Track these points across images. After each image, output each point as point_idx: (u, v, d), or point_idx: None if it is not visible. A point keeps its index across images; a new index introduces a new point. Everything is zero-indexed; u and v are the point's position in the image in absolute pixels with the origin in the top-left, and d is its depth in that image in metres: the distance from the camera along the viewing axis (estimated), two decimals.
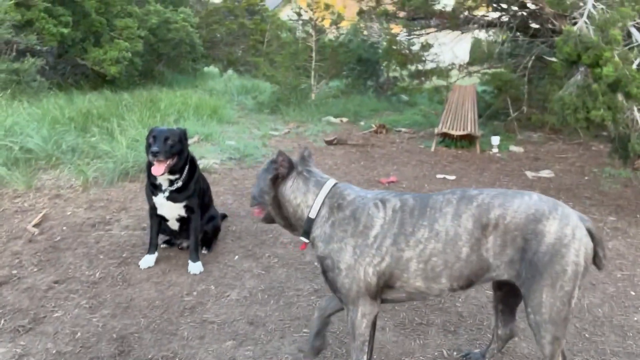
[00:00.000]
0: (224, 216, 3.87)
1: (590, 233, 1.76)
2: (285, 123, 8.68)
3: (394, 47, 7.57)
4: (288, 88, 10.12)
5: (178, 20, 11.64)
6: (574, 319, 2.69)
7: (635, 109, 4.01)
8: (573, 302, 1.73)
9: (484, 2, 7.37)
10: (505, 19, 8.21)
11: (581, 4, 4.48)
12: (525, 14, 7.66)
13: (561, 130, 7.61)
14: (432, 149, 7.02)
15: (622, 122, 4.12)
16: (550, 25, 6.81)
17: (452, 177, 5.63)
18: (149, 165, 2.85)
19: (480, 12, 8.25)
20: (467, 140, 7.12)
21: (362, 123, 9.10)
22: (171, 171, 2.88)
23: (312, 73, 10.44)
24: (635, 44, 4.31)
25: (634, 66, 4.05)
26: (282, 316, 2.58)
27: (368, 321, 1.84)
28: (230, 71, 14.57)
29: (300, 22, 10.52)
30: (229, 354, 2.24)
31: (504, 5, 7.77)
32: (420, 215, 1.78)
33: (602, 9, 4.15)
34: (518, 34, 8.12)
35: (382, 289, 1.82)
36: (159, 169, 2.79)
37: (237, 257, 3.27)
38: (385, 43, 7.85)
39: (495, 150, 6.99)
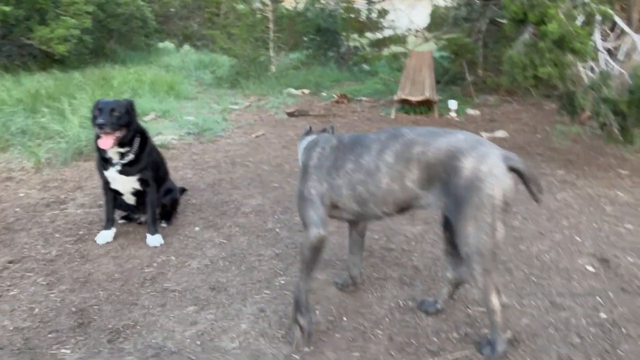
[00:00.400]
0: (184, 190, 3.84)
1: (518, 171, 1.91)
2: (245, 97, 8.56)
3: (351, 15, 7.50)
4: (247, 61, 9.95)
5: None
6: (522, 265, 2.84)
7: (579, 64, 4.16)
8: (498, 235, 1.87)
9: None
10: None
11: None
12: None
13: (516, 92, 7.82)
14: (393, 115, 7.10)
15: (568, 78, 4.27)
16: None
17: None
18: (97, 138, 2.79)
19: None
20: (426, 105, 7.23)
21: (323, 94, 9.08)
22: (120, 144, 2.82)
23: (271, 45, 10.28)
24: (579, 1, 4.43)
25: (578, 22, 4.18)
26: (243, 280, 2.62)
27: (317, 246, 2.08)
28: (186, 46, 14.15)
29: None
30: (191, 318, 2.27)
31: None
32: (350, 151, 2.11)
33: None
34: None
35: (330, 209, 2.15)
36: (106, 142, 2.72)
37: (197, 228, 3.27)
38: (342, 11, 7.77)
39: (453, 114, 7.13)
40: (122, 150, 2.86)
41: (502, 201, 1.84)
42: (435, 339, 2.16)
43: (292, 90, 9.18)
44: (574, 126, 5.96)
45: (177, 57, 12.72)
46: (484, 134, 5.95)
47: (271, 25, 10.03)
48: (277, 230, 3.26)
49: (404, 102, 7.25)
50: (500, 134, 5.97)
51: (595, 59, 4.15)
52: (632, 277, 2.70)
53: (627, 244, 3.09)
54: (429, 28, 8.56)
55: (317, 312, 2.35)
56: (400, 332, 2.20)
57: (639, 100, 3.84)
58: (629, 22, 5.57)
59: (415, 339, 2.16)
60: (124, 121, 2.80)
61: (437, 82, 8.55)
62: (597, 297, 2.51)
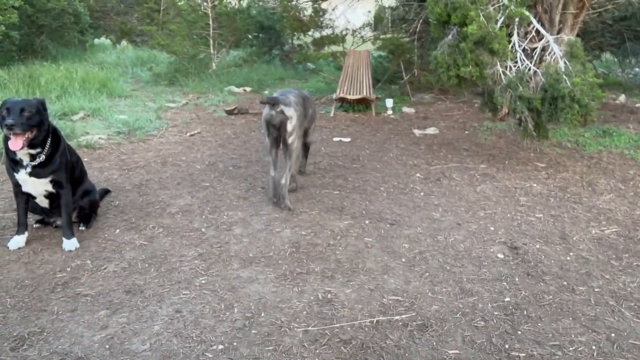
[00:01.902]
0: (107, 191, 3.72)
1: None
2: (184, 94, 8.38)
3: (290, 13, 7.53)
4: (186, 58, 9.74)
5: None
6: (438, 254, 2.97)
7: (498, 64, 4.39)
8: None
9: None
10: None
11: None
12: None
13: (449, 91, 8.14)
14: (332, 114, 7.19)
15: (488, 78, 4.49)
16: None
17: (348, 139, 5.84)
18: (6, 139, 2.65)
19: None
20: (364, 104, 7.38)
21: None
22: (31, 145, 2.69)
23: (212, 42, 10.11)
24: (499, 3, 4.67)
25: (498, 24, 4.41)
26: (161, 282, 2.58)
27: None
28: (124, 42, 13.65)
29: None
30: (102, 322, 2.21)
31: None
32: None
33: None
34: None
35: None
36: (16, 143, 2.60)
37: (118, 230, 3.18)
38: (280, 9, 7.77)
39: (389, 112, 7.32)
40: (32, 151, 2.74)
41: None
42: (349, 329, 2.23)
43: (234, 88, 9.08)
44: (500, 123, 6.29)
45: (114, 54, 12.24)
46: (417, 131, 6.16)
47: (211, 22, 9.86)
48: (203, 229, 3.23)
49: (343, 100, 7.36)
50: (431, 130, 6.19)
51: (513, 59, 4.39)
52: (538, 263, 2.90)
53: (536, 232, 3.30)
54: (374, 27, 8.72)
55: (235, 309, 2.36)
56: (316, 325, 2.25)
57: (551, 98, 4.10)
58: (550, 24, 5.95)
59: (330, 330, 2.21)
60: (34, 121, 2.67)
61: (377, 80, 8.74)
62: (504, 283, 2.68)
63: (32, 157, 2.75)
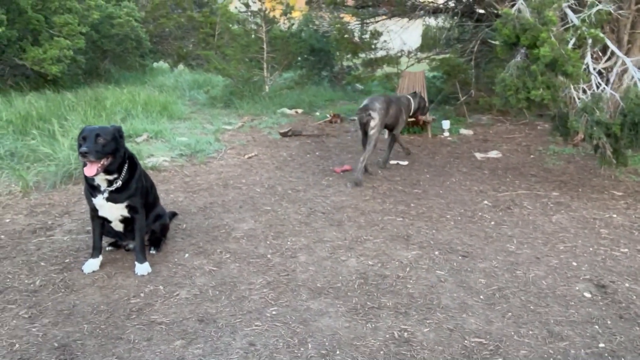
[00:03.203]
0: (174, 214, 3.77)
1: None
2: (239, 117, 8.54)
3: (345, 36, 7.56)
4: (241, 81, 9.96)
5: (121, 15, 11.19)
6: (519, 292, 2.78)
7: (572, 87, 4.17)
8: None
9: None
10: (451, 4, 8.37)
11: None
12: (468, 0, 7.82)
13: (508, 112, 7.85)
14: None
15: (561, 101, 4.27)
16: (493, 10, 6.98)
17: (405, 163, 5.71)
18: (84, 165, 2.73)
19: None
20: (420, 125, 7.24)
21: (317, 113, 9.08)
22: (107, 171, 2.76)
23: (265, 65, 10.31)
24: (570, 24, 4.47)
25: (570, 45, 4.21)
26: (233, 311, 2.54)
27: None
28: (181, 66, 14.18)
29: (249, 13, 10.34)
30: (178, 353, 2.19)
31: None
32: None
33: None
34: (464, 19, 8.30)
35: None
36: (91, 170, 2.66)
37: (187, 255, 3.19)
38: (335, 32, 7.82)
39: (446, 134, 7.13)
40: (109, 177, 2.80)
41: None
42: None
43: (286, 110, 9.17)
44: (567, 147, 5.97)
45: (172, 77, 12.71)
46: (478, 155, 5.95)
47: (265, 46, 10.07)
48: (269, 256, 3.19)
49: None
50: (494, 154, 5.96)
51: (587, 82, 4.16)
52: (630, 304, 2.65)
53: (623, 269, 3.04)
54: (421, 49, 8.63)
55: (310, 345, 2.27)
56: None
57: (631, 123, 3.85)
58: (618, 45, 5.64)
59: None
60: (109, 149, 2.73)
61: (431, 101, 8.58)
62: (595, 326, 2.46)
63: (109, 183, 2.82)
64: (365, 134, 4.92)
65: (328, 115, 8.41)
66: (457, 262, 3.15)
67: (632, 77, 4.09)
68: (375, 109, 4.84)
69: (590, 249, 3.32)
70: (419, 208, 4.16)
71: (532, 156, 5.86)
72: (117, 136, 2.80)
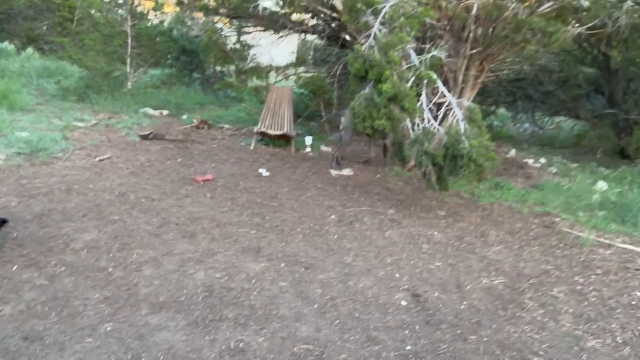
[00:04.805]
0: (4, 221, 3.43)
1: None
2: (94, 113, 7.96)
3: (215, 43, 7.56)
4: (99, 74, 9.27)
5: None
6: (348, 301, 3.13)
7: (407, 120, 4.79)
8: None
9: (300, 9, 7.86)
10: (320, 27, 8.90)
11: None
12: (335, 25, 8.41)
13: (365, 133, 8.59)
14: (252, 147, 7.25)
15: (399, 131, 4.88)
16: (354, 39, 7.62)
17: (267, 174, 5.93)
18: None
19: (299, 17, 8.78)
20: (284, 139, 7.54)
21: (184, 117, 8.87)
22: None
23: (129, 60, 9.75)
24: (411, 64, 5.13)
25: (409, 84, 4.83)
26: (63, 328, 2.44)
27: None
28: (30, 49, 12.63)
29: (114, 3, 9.72)
30: None
31: (321, 14, 8.41)
32: None
33: (384, 32, 4.83)
34: (331, 42, 8.88)
35: None
36: None
37: (15, 267, 2.94)
38: (206, 38, 7.78)
39: (308, 149, 7.55)
40: None
41: None
42: None
43: (150, 111, 8.79)
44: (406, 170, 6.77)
45: (17, 61, 11.24)
46: (332, 171, 6.42)
47: (130, 40, 9.53)
48: (110, 269, 3.10)
49: (264, 135, 7.46)
50: (347, 171, 6.49)
51: (420, 116, 4.81)
52: (436, 311, 3.16)
53: (435, 280, 3.60)
54: (296, 64, 9.00)
55: (144, 359, 2.29)
56: None
57: (452, 155, 4.55)
58: (455, 83, 6.61)
59: None
60: None
61: (298, 116, 8.98)
62: (406, 331, 2.89)
63: None
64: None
65: (195, 120, 8.29)
66: (299, 273, 3.41)
67: (456, 116, 4.84)
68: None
69: (412, 262, 3.86)
70: (273, 221, 4.37)
71: (378, 175, 6.52)
72: None
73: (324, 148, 7.75)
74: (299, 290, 3.17)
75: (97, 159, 5.49)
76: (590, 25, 5.12)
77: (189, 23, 11.10)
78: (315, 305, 3.01)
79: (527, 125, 12.58)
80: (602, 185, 6.18)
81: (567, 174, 6.97)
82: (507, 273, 3.77)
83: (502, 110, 12.76)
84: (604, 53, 8.32)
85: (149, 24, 10.06)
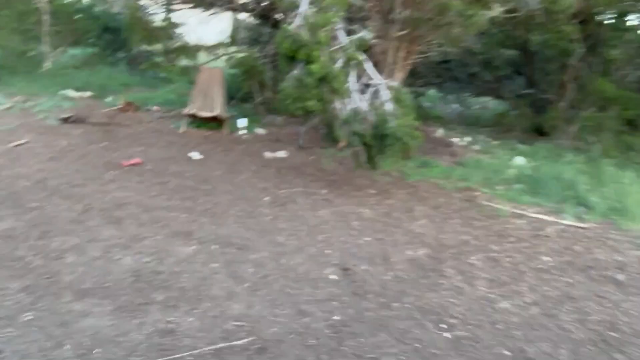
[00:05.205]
0: None
1: None
2: (9, 95, 7.39)
3: (138, 21, 7.23)
4: (13, 54, 8.60)
5: None
6: (281, 278, 3.21)
7: (337, 101, 4.88)
8: None
9: None
10: (251, 5, 8.75)
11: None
12: (266, 4, 8.30)
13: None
14: (182, 130, 7.07)
15: (329, 112, 4.97)
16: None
17: (199, 157, 5.83)
18: None
19: None
20: (216, 122, 7.42)
21: (109, 99, 8.46)
22: None
23: (47, 39, 9.10)
24: (339, 46, 5.20)
25: (339, 64, 4.91)
26: None
27: None
28: None
29: None
30: None
31: None
32: None
33: (313, 12, 4.85)
34: (263, 22, 8.77)
35: None
36: None
37: None
38: (128, 15, 7.41)
39: (242, 132, 7.48)
40: None
41: None
42: (189, 359, 2.29)
43: (71, 92, 8.30)
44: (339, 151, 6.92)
45: None
46: (267, 154, 6.42)
47: (47, 18, 8.88)
48: (30, 258, 2.96)
49: (195, 117, 7.29)
50: (282, 153, 6.52)
51: (349, 97, 4.92)
52: (363, 282, 3.31)
53: (364, 254, 3.76)
54: (221, 45, 8.80)
55: (67, 346, 2.24)
56: (155, 357, 2.27)
57: (380, 135, 4.71)
58: (385, 64, 6.79)
59: None
60: None
61: (232, 98, 8.84)
62: (334, 302, 3.02)
63: None
64: None
65: (120, 102, 7.93)
66: (232, 254, 3.44)
67: (383, 97, 5.00)
68: None
69: (342, 238, 4.00)
70: (205, 204, 4.34)
71: (312, 157, 6.61)
72: None
73: (258, 130, 7.71)
74: (231, 270, 3.20)
75: (12, 144, 5.13)
76: (506, 9, 5.43)
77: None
78: (247, 284, 3.06)
79: (455, 105, 13.19)
80: (519, 160, 6.66)
81: (489, 151, 7.43)
82: (429, 244, 4.01)
83: (432, 92, 13.29)
84: (523, 36, 8.86)
85: (66, 0, 9.42)
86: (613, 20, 7.31)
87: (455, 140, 8.35)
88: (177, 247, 3.42)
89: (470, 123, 11.13)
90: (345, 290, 3.18)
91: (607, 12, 7.52)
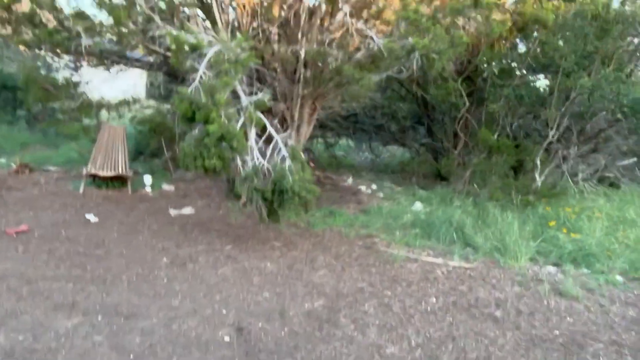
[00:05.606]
0: None
1: None
2: None
3: (34, 80, 6.97)
4: None
5: None
6: (168, 345, 3.11)
7: (238, 159, 5.00)
8: None
9: (133, 48, 7.69)
10: (158, 63, 8.78)
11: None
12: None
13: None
14: (81, 190, 6.78)
15: (231, 169, 5.06)
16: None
17: (96, 219, 5.60)
18: None
19: (133, 53, 8.55)
20: (120, 180, 7.20)
21: (1, 160, 7.95)
22: None
23: None
24: (240, 106, 5.38)
25: (239, 123, 5.06)
26: None
27: None
28: None
29: None
30: None
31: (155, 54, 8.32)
32: None
33: (210, 76, 5.02)
34: (170, 78, 8.81)
35: None
36: None
37: None
38: (25, 75, 7.14)
39: (148, 189, 7.31)
40: None
41: None
42: None
43: None
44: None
45: None
46: (172, 211, 6.31)
47: None
48: None
49: (96, 176, 7.04)
50: (188, 210, 6.45)
51: (248, 155, 5.06)
52: (257, 341, 3.31)
53: (261, 311, 3.77)
54: (125, 103, 8.67)
55: None
56: None
57: (279, 190, 4.86)
58: (292, 119, 7.08)
59: None
60: None
61: (140, 153, 8.64)
62: None
63: None
64: None
65: (13, 164, 7.47)
66: (118, 324, 3.30)
67: (282, 154, 5.19)
68: None
69: (241, 296, 3.99)
70: (95, 271, 4.15)
71: (221, 212, 6.60)
72: None
73: (165, 187, 7.59)
74: (114, 342, 3.07)
75: None
76: (390, 71, 5.97)
77: (8, 57, 10.04)
78: (131, 355, 2.94)
79: (367, 153, 13.87)
80: (418, 205, 7.12)
81: (392, 197, 7.86)
82: (327, 294, 4.12)
83: (345, 141, 13.92)
84: (419, 91, 9.69)
85: None
86: (492, 77, 8.25)
87: (362, 187, 8.75)
88: (57, 321, 3.22)
89: (380, 170, 11.75)
90: (238, 351, 3.17)
91: (486, 70, 8.47)
